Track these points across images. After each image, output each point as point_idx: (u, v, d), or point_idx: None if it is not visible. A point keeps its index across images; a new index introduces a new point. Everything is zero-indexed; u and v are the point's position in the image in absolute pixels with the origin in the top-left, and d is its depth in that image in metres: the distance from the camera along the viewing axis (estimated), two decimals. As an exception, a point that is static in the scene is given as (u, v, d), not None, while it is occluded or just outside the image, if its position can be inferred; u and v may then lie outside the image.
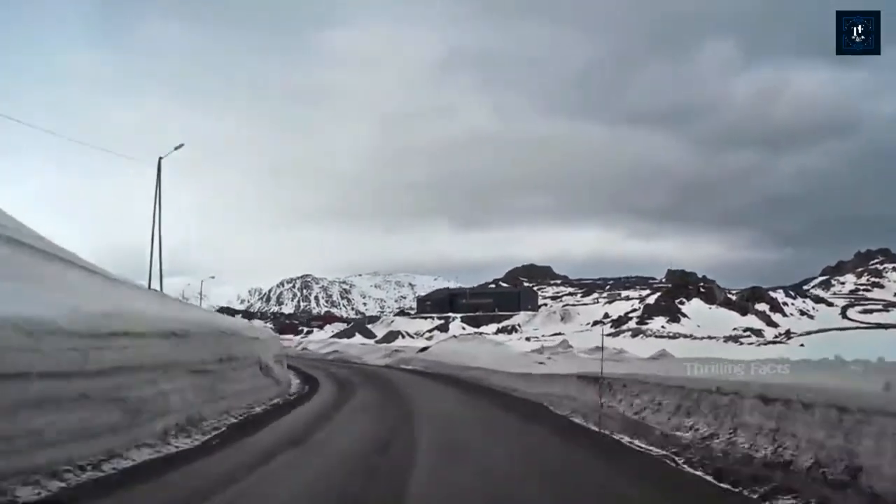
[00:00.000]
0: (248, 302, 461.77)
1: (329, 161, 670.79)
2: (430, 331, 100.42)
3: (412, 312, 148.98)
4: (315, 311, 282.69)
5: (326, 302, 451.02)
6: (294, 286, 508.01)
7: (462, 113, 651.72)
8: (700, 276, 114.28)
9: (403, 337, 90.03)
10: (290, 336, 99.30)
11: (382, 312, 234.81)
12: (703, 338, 71.28)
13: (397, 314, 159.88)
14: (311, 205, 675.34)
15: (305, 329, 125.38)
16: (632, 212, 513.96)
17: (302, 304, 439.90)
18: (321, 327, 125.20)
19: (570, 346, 41.37)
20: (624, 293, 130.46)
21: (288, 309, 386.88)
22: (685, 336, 75.40)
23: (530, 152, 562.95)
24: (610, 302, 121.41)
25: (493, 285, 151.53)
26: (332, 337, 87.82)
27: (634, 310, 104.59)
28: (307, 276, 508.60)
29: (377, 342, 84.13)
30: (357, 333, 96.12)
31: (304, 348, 66.86)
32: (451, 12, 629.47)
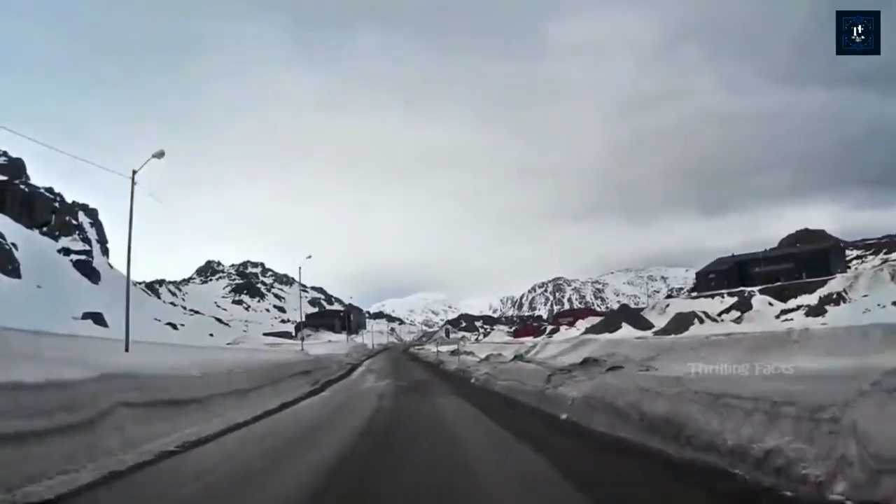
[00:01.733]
0: (500, 310, 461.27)
1: (567, 158, 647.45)
2: (726, 311, 65.27)
3: (680, 294, 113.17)
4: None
5: (580, 303, 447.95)
6: (546, 290, 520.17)
7: (691, 91, 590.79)
8: None
9: (702, 321, 55.13)
10: (525, 339, 70.69)
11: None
12: None
13: (667, 297, 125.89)
14: (555, 206, 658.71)
15: (550, 328, 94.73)
16: (864, 180, 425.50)
17: (555, 307, 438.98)
18: (571, 324, 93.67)
19: None
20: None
21: (541, 313, 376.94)
22: None
23: (761, 126, 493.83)
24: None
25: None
26: (584, 333, 56.19)
27: None
28: (559, 278, 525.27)
29: (657, 333, 50.08)
30: (624, 324, 62.75)
31: (515, 357, 36.12)
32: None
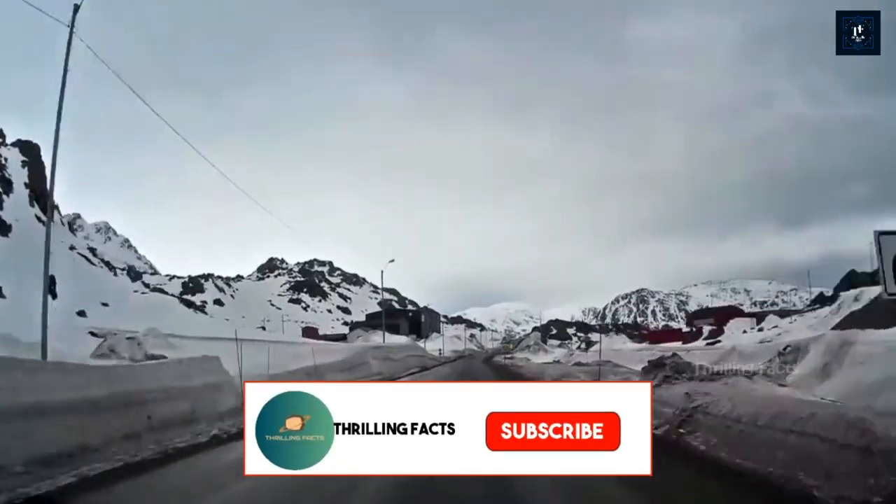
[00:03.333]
0: (582, 322, 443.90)
1: (649, 168, 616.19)
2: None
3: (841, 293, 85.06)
4: (652, 327, 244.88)
5: (664, 315, 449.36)
6: (629, 301, 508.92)
7: (774, 97, 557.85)
8: None
9: None
10: (666, 344, 46.44)
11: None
12: None
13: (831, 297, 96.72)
14: (638, 216, 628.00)
15: (708, 328, 67.13)
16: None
17: (638, 318, 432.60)
18: (718, 326, 67.54)
19: None
20: None
21: (626, 323, 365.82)
22: None
23: (844, 136, 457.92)
24: None
25: None
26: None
27: None
28: (642, 290, 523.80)
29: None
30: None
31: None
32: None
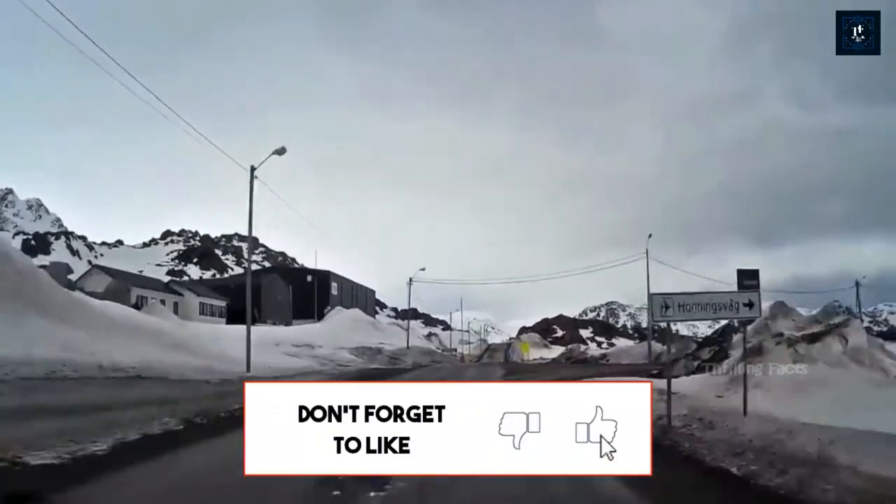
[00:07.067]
0: (602, 321, 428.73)
1: (620, 170, 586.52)
2: None
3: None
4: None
5: (633, 330, 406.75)
6: (598, 315, 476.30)
7: (757, 98, 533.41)
8: None
9: None
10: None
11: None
12: None
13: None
14: (609, 224, 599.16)
15: None
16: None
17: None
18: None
19: None
20: None
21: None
22: None
23: (828, 146, 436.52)
24: None
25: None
26: None
27: None
28: (612, 303, 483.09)
29: None
30: None
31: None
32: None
